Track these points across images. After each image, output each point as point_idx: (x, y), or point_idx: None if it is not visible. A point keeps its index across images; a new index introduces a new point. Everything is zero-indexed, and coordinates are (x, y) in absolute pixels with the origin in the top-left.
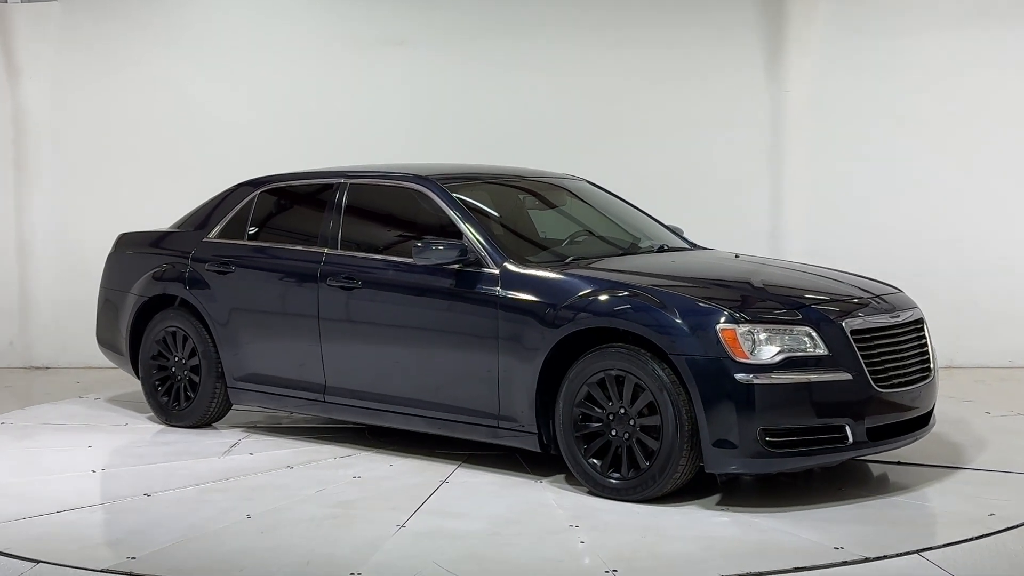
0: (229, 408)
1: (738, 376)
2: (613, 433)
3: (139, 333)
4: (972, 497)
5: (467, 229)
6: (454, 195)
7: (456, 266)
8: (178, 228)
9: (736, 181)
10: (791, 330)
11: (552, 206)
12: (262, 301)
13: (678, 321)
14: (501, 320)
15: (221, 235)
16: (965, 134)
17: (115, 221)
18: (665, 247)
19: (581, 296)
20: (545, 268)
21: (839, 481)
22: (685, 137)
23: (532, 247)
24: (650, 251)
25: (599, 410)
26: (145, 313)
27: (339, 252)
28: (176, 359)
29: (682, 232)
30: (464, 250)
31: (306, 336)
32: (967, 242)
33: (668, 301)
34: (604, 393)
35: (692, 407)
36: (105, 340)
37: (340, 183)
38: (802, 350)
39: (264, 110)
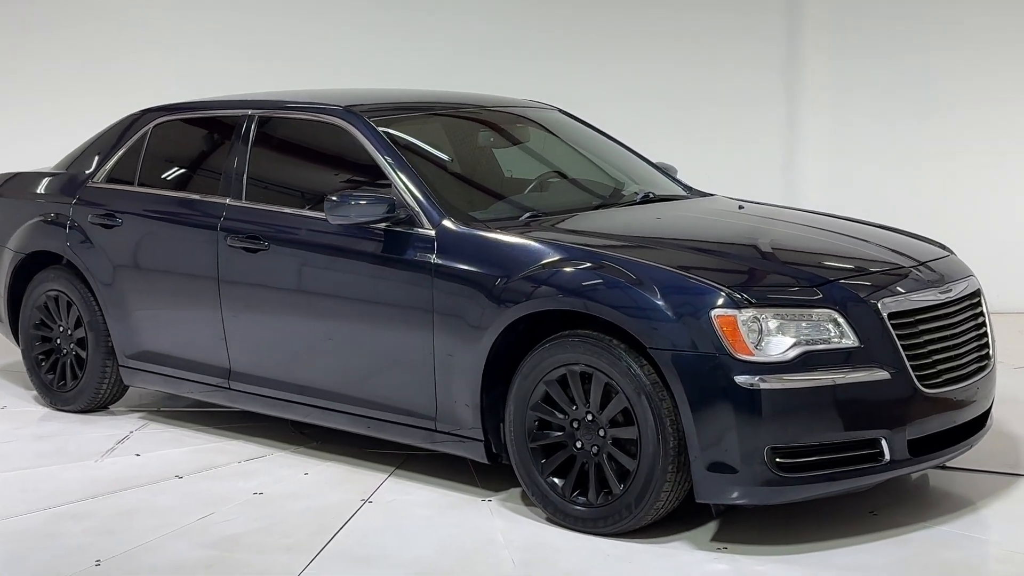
0: (126, 389)
1: (739, 378)
2: (578, 446)
3: (19, 296)
4: None
5: (397, 177)
6: (382, 131)
7: (383, 225)
8: (65, 168)
9: (745, 102)
10: (810, 315)
11: (515, 143)
12: (155, 263)
13: (659, 303)
14: (437, 293)
15: (109, 178)
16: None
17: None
18: (651, 195)
19: (538, 266)
20: (494, 229)
21: (869, 502)
22: (686, 51)
23: (486, 199)
24: (632, 202)
25: (560, 415)
26: (24, 272)
27: (243, 204)
28: (60, 329)
29: (675, 172)
30: (392, 205)
31: (206, 309)
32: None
33: (647, 276)
34: (566, 394)
35: (679, 417)
36: None
37: (247, 116)
38: (825, 342)
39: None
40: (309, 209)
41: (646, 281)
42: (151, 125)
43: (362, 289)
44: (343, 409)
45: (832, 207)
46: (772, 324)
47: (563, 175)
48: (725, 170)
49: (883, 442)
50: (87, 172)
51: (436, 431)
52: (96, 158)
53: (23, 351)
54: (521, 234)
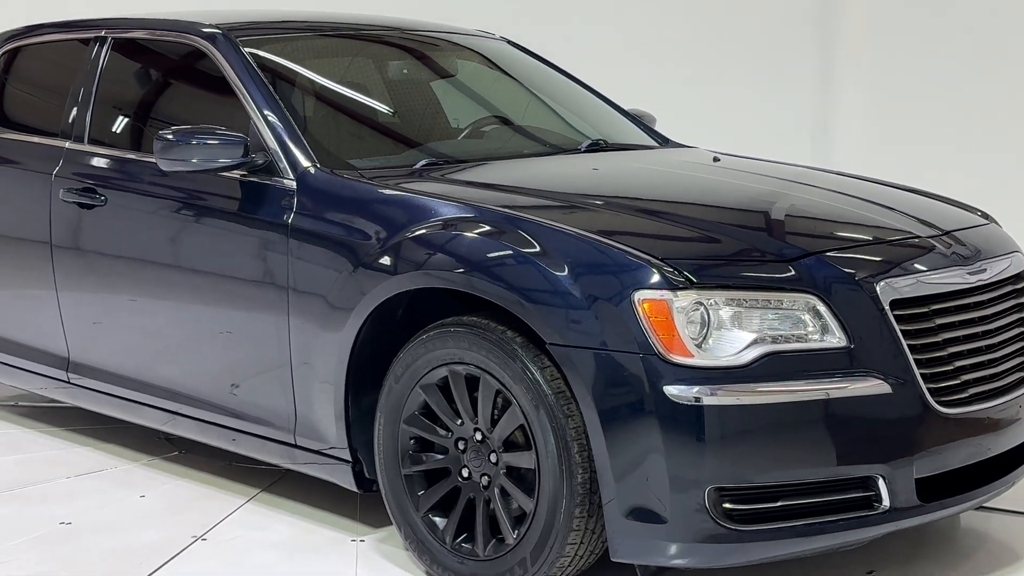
0: None
1: (672, 388)
2: (465, 474)
3: None
4: None
5: (257, 112)
6: (248, 53)
7: (238, 174)
8: None
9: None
10: (779, 301)
11: (444, 76)
12: None
13: (565, 280)
14: (293, 263)
15: None
16: None
17: None
18: (602, 143)
19: (414, 228)
20: (369, 178)
21: (867, 558)
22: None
23: (388, 145)
24: (575, 152)
25: (442, 432)
26: None
27: (83, 147)
28: None
29: (653, 122)
30: (247, 148)
31: (39, 282)
32: None
33: (553, 244)
34: (449, 403)
35: (589, 442)
36: None
37: (98, 38)
38: (799, 339)
39: None
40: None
41: (551, 251)
42: (3, 51)
43: (210, 259)
44: (189, 413)
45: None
46: (723, 313)
47: (505, 119)
48: (750, 131)
49: (880, 482)
50: None
51: (296, 447)
52: None
53: None
54: (398, 186)
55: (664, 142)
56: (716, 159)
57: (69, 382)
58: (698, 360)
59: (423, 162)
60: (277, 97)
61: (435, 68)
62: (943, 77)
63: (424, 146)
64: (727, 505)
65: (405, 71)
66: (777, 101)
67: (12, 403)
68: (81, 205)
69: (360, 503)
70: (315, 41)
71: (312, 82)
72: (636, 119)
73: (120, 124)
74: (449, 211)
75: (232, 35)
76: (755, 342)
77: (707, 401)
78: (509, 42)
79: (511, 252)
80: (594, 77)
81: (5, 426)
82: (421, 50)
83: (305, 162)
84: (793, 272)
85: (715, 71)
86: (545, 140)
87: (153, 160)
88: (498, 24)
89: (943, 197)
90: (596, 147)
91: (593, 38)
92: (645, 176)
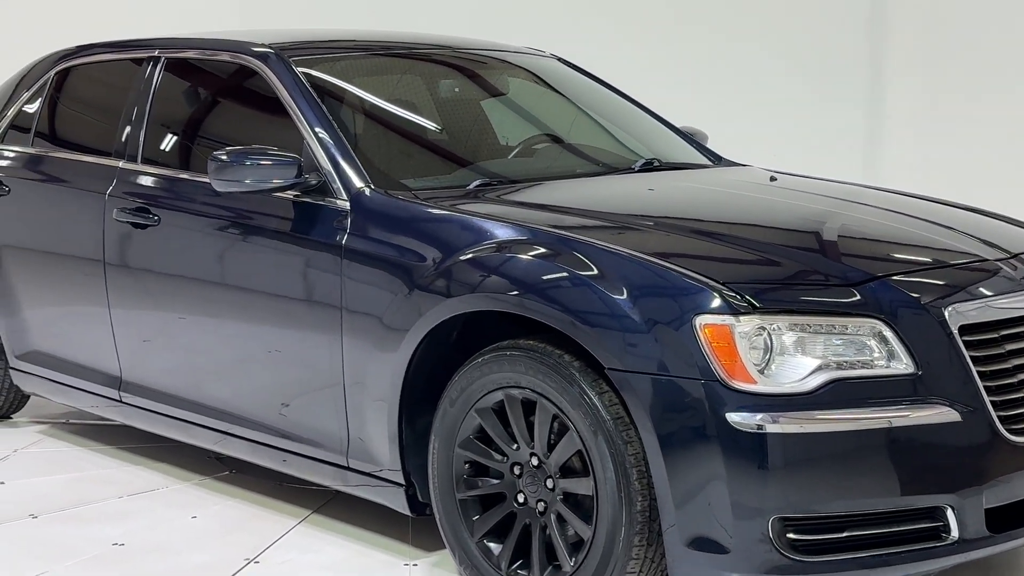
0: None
1: (735, 415)
2: (520, 500)
3: None
4: None
5: (310, 131)
6: (302, 73)
7: (290, 195)
8: None
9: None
10: (844, 326)
11: (494, 95)
12: (42, 242)
13: (624, 304)
14: (347, 284)
15: (4, 137)
16: None
17: None
18: (656, 162)
19: (473, 250)
20: (423, 199)
21: None
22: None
23: (442, 165)
24: (629, 171)
25: (498, 457)
26: None
27: (136, 167)
28: None
29: (705, 139)
30: (300, 168)
31: (92, 301)
32: None
33: (611, 266)
34: (506, 428)
35: (648, 469)
36: None
37: (152, 58)
38: (864, 365)
39: None
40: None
41: (609, 274)
42: (53, 72)
43: (262, 278)
44: (242, 434)
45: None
46: (786, 338)
47: (556, 137)
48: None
49: (949, 512)
50: None
51: (348, 469)
52: None
53: None
54: (454, 207)
55: (717, 160)
56: (772, 178)
57: (121, 401)
58: (761, 387)
59: (476, 182)
60: (330, 117)
61: (485, 86)
62: (998, 90)
63: (475, 165)
64: (791, 535)
65: (456, 89)
66: (826, 115)
67: (63, 420)
68: (135, 225)
69: (412, 525)
70: (365, 60)
71: (364, 101)
72: (688, 136)
73: (173, 144)
74: (505, 232)
75: (284, 54)
76: (819, 368)
77: (770, 429)
78: (559, 59)
79: (568, 274)
80: (640, 94)
81: (55, 444)
82: (471, 68)
83: (359, 183)
84: (858, 296)
85: (763, 85)
86: (597, 159)
87: (206, 180)
88: (547, 41)
89: (1004, 216)
90: (650, 166)
91: (638, 54)
92: (701, 196)
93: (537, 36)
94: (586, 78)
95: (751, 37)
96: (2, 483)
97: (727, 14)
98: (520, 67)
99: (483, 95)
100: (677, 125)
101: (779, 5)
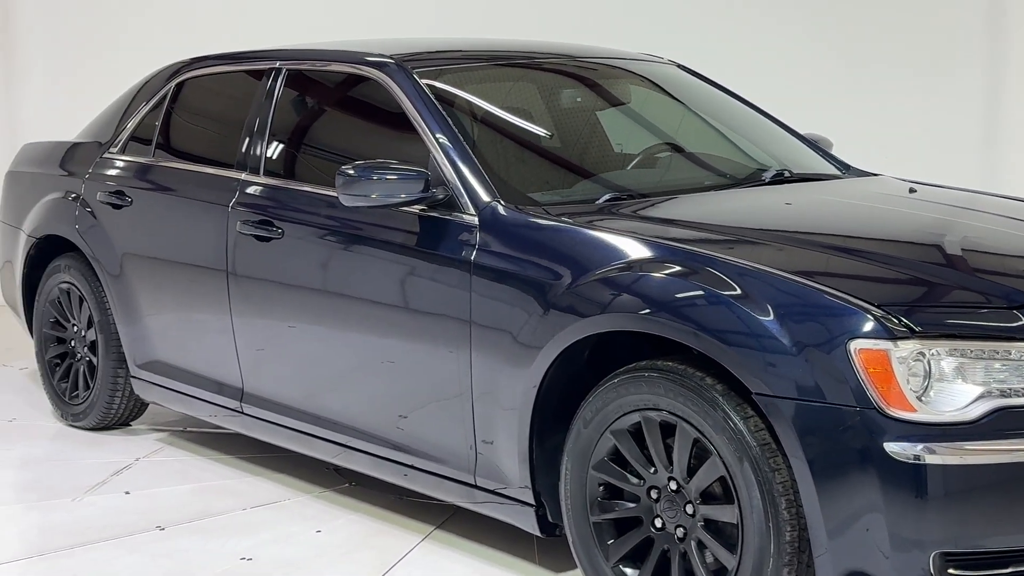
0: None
1: (892, 445)
2: (658, 525)
3: (35, 287)
4: None
5: (436, 145)
6: (425, 85)
7: (416, 209)
8: (87, 138)
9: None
10: (1007, 351)
11: (615, 104)
12: (163, 252)
13: (772, 327)
14: (476, 299)
15: (125, 148)
16: None
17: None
18: (787, 173)
19: (609, 270)
20: (558, 215)
21: None
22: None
23: (567, 177)
24: (760, 181)
25: (634, 480)
26: (40, 260)
27: (259, 180)
28: (74, 329)
29: (830, 147)
30: (427, 183)
31: (215, 312)
32: None
33: (755, 286)
34: (643, 451)
35: (798, 497)
36: (8, 293)
37: (273, 69)
38: None
39: None
40: (332, 188)
41: (754, 294)
42: (172, 84)
43: (389, 293)
44: (365, 448)
45: None
46: (945, 364)
47: (677, 147)
48: (911, 149)
49: None
50: (102, 142)
51: (475, 487)
52: (114, 125)
53: (36, 352)
54: (586, 222)
55: (846, 169)
56: (912, 190)
57: (242, 412)
58: (921, 415)
59: (606, 196)
60: (456, 130)
61: (606, 95)
62: None
63: (598, 176)
64: (952, 571)
65: (578, 99)
66: (943, 117)
67: (180, 428)
68: (258, 238)
69: (538, 544)
70: (485, 70)
71: (487, 113)
72: (813, 144)
73: (296, 156)
74: (645, 250)
75: (407, 65)
76: (982, 396)
77: (930, 460)
78: (679, 66)
79: (714, 295)
80: (754, 97)
81: (175, 452)
82: (591, 77)
83: (487, 197)
84: (1023, 320)
85: (875, 88)
86: (722, 170)
87: (329, 193)
88: (664, 47)
89: None
90: (780, 177)
91: (753, 57)
92: (842, 211)
93: (649, 42)
94: (707, 84)
95: (863, 37)
96: (127, 493)
97: (836, 13)
98: (639, 75)
99: (604, 104)
100: (802, 132)
101: (892, 2)
